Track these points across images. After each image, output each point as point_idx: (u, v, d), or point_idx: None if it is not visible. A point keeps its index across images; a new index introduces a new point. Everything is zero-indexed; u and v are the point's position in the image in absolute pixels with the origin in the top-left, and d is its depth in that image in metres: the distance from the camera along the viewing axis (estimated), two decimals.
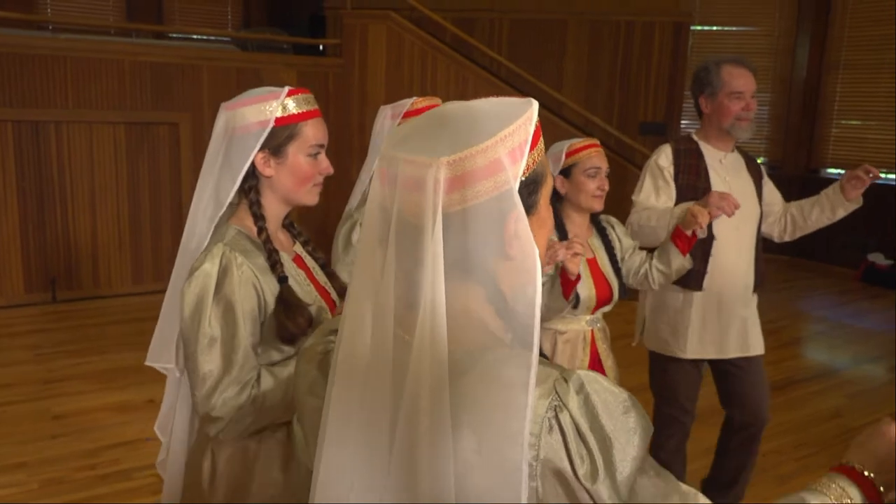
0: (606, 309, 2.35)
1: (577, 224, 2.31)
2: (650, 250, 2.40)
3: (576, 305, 2.19)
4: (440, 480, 0.75)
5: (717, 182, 2.52)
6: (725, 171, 2.57)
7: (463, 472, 0.76)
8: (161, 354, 1.68)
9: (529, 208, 0.80)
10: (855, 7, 7.63)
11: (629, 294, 2.37)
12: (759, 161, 2.76)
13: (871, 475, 0.90)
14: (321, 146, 1.54)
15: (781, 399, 4.22)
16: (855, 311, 6.18)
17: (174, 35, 8.17)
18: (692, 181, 2.51)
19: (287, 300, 1.46)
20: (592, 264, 2.29)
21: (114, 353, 4.66)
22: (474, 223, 0.76)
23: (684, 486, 0.83)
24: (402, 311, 0.77)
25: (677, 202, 2.50)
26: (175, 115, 5.88)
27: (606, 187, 2.26)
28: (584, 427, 0.77)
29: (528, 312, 0.76)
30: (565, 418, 0.76)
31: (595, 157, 2.25)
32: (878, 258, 7.07)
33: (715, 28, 8.21)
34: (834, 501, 0.87)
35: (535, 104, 0.82)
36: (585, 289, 2.23)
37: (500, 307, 0.79)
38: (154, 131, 5.86)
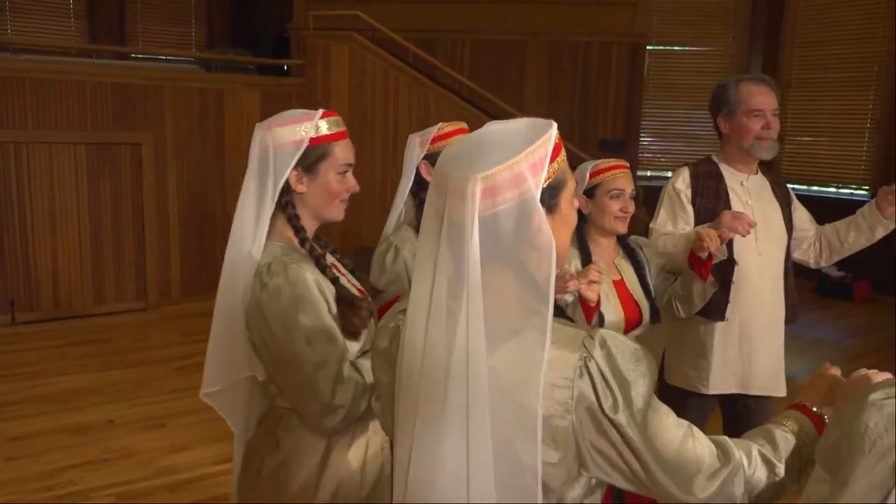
0: (638, 331, 2.22)
1: (603, 246, 2.24)
2: (677, 276, 2.32)
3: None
4: (481, 447, 0.96)
5: (738, 206, 2.39)
6: (748, 194, 2.43)
7: (505, 424, 0.98)
8: (217, 377, 1.70)
9: (552, 209, 1.03)
10: (804, 28, 7.89)
11: (661, 318, 2.27)
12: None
13: (817, 409, 1.20)
14: (349, 165, 1.65)
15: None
16: (808, 322, 6.34)
17: (137, 56, 8.16)
18: (711, 205, 2.38)
19: (346, 297, 1.58)
20: (620, 286, 2.21)
21: (73, 374, 4.61)
22: (504, 223, 0.97)
23: (676, 419, 1.09)
24: (453, 291, 0.98)
25: (695, 226, 2.37)
26: (137, 135, 5.87)
27: (631, 209, 2.19)
28: (608, 373, 0.99)
29: (545, 284, 0.97)
30: (592, 366, 0.99)
31: (620, 179, 2.18)
32: (831, 270, 7.27)
33: (670, 48, 8.43)
34: (790, 429, 1.16)
35: (555, 125, 1.03)
36: (613, 312, 2.15)
37: (529, 287, 0.99)
38: (116, 152, 5.83)
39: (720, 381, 2.43)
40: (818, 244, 2.54)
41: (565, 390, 1.00)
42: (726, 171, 2.45)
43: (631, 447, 1.00)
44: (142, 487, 3.28)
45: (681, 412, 2.55)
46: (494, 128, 1.05)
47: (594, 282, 1.92)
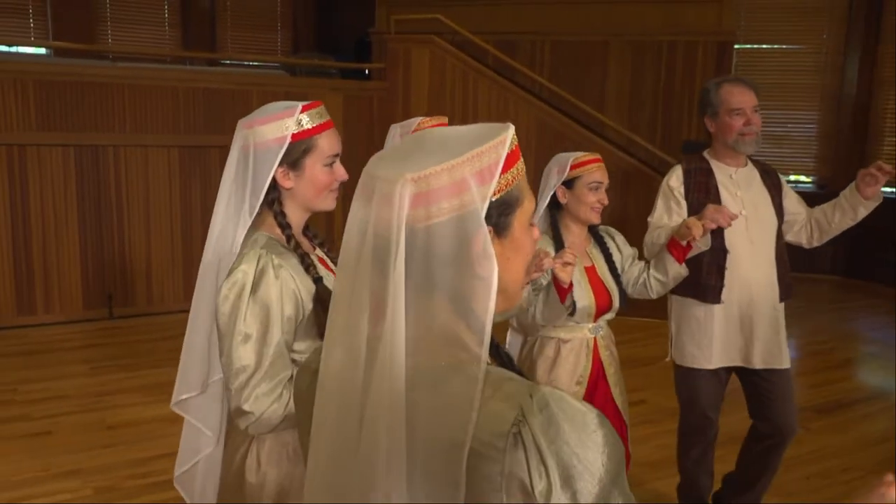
0: (608, 317, 2.44)
1: (575, 234, 2.42)
2: (650, 261, 2.52)
3: (572, 313, 2.28)
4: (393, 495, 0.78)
5: (728, 197, 2.59)
6: (736, 185, 2.63)
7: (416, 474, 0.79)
8: (190, 384, 1.72)
9: (502, 230, 0.84)
10: None
11: (629, 303, 2.47)
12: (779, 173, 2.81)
13: None
14: (336, 156, 1.62)
15: (830, 422, 4.13)
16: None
17: (226, 62, 8.47)
18: (702, 198, 2.58)
19: (324, 299, 1.53)
20: (591, 273, 2.39)
21: (165, 367, 4.82)
22: (439, 239, 0.78)
23: None
24: (373, 320, 0.80)
25: None
26: (226, 138, 5.95)
27: (606, 202, 2.37)
28: (544, 445, 0.76)
29: (480, 327, 0.79)
30: (527, 435, 0.76)
31: (597, 172, 2.36)
32: None
33: (760, 46, 8.14)
34: None
35: (512, 128, 0.85)
36: (584, 297, 2.32)
37: (466, 319, 0.81)
38: (206, 154, 6.07)
39: (721, 355, 2.65)
40: (809, 226, 2.72)
41: (494, 464, 0.77)
42: (716, 167, 2.65)
43: None
44: None
45: (686, 386, 2.74)
46: (441, 129, 0.88)
47: (568, 263, 2.06)
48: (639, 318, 4.72)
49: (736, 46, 7.47)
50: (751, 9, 7.93)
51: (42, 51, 7.91)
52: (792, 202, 2.74)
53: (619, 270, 2.45)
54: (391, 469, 0.77)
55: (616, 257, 2.47)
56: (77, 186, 5.67)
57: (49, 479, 3.36)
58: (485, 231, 0.79)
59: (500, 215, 0.83)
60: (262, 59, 8.90)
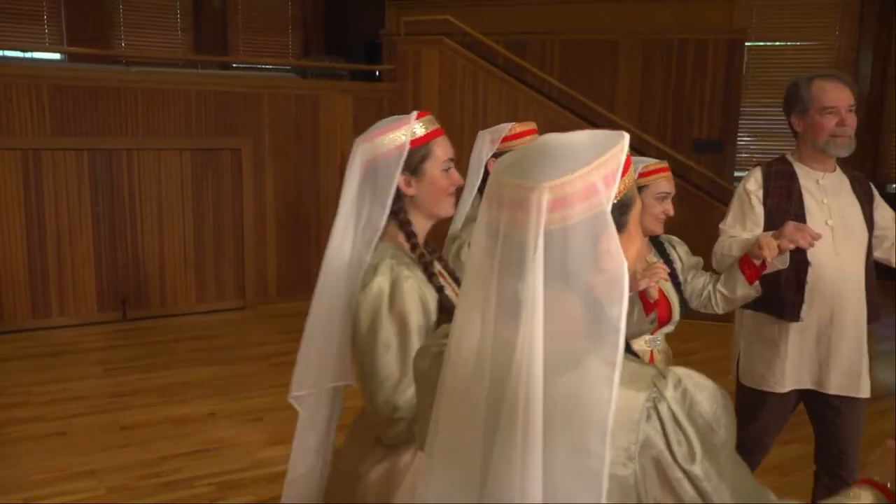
0: (668, 329, 2.32)
1: None
2: (716, 272, 2.36)
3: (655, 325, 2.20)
4: (530, 482, 0.86)
5: (812, 205, 2.38)
6: (823, 192, 2.41)
7: (555, 465, 0.87)
8: (307, 381, 1.74)
9: (620, 227, 0.92)
10: None
11: (689, 312, 2.34)
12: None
13: (889, 484, 1.07)
14: (451, 160, 1.68)
15: None
16: None
17: (238, 65, 8.52)
18: (782, 204, 2.38)
19: (447, 307, 1.58)
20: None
21: (178, 368, 4.86)
22: (572, 239, 0.87)
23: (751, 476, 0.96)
24: (506, 315, 0.89)
25: (766, 227, 2.39)
26: (238, 140, 6.13)
27: (671, 212, 2.26)
28: (682, 416, 0.88)
29: (616, 316, 0.87)
30: (663, 408, 0.88)
31: (665, 183, 2.26)
32: None
33: (771, 44, 8.08)
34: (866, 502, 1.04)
35: (627, 136, 0.95)
36: None
37: (596, 313, 0.89)
38: (218, 156, 6.11)
39: (794, 376, 2.43)
40: None
41: (628, 434, 0.88)
42: (800, 170, 2.44)
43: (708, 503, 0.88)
44: (240, 478, 3.43)
45: (750, 408, 2.51)
46: (557, 137, 0.97)
47: (661, 279, 2.01)
48: (702, 320, 4.46)
49: (747, 44, 7.43)
50: (762, 6, 7.89)
51: (56, 56, 7.99)
52: (884, 215, 2.50)
53: (681, 281, 2.33)
54: (530, 455, 0.85)
55: (678, 267, 2.35)
56: (91, 190, 5.72)
57: (63, 479, 3.40)
58: (612, 229, 0.88)
59: (620, 215, 0.93)
60: (274, 61, 8.94)
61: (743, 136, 7.86)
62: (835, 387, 2.41)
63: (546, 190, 0.86)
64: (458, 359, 0.94)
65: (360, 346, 1.58)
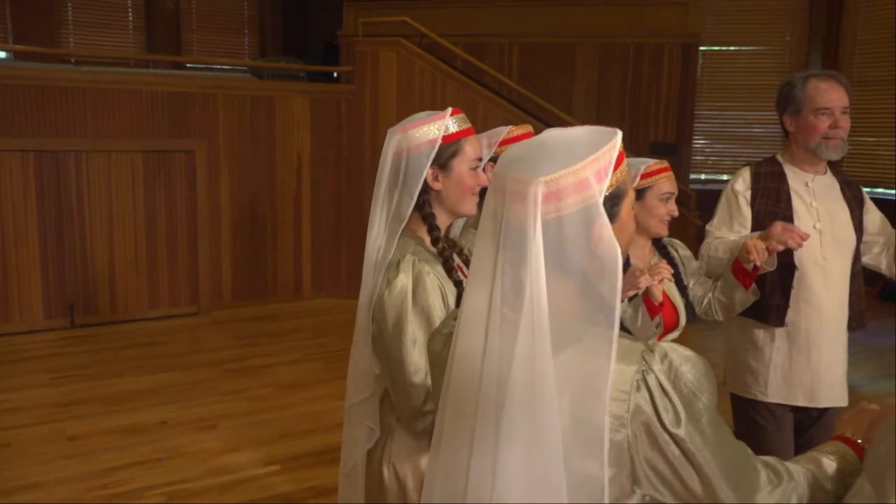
0: (674, 335, 2.24)
1: (640, 247, 2.25)
2: (718, 279, 2.32)
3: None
4: (537, 455, 0.95)
5: (801, 208, 2.34)
6: (812, 195, 2.36)
7: (561, 438, 0.96)
8: (359, 387, 1.75)
9: (612, 217, 1.01)
10: (865, 24, 7.63)
11: (696, 318, 2.30)
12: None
13: (860, 440, 1.20)
14: (479, 160, 1.72)
15: None
16: (870, 329, 6.09)
17: (192, 65, 8.37)
18: (771, 206, 2.33)
19: None
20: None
21: (129, 376, 4.74)
22: (566, 228, 0.96)
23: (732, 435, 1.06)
24: (510, 297, 0.97)
25: (754, 229, 2.34)
26: (191, 142, 6.01)
27: (676, 213, 2.21)
28: (668, 386, 0.98)
29: (611, 297, 0.96)
30: (651, 379, 0.98)
31: (668, 183, 2.20)
32: None
33: (725, 48, 8.25)
34: (836, 457, 1.16)
35: (620, 133, 1.03)
36: None
37: (591, 294, 0.99)
38: (171, 159, 5.99)
39: (782, 390, 2.37)
40: (892, 249, 2.43)
41: (621, 403, 0.98)
42: (790, 172, 2.40)
43: (692, 462, 0.98)
44: (193, 487, 3.34)
45: (742, 423, 2.41)
46: (556, 133, 1.06)
47: (664, 278, 1.95)
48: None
49: (701, 48, 7.56)
50: (715, 11, 8.05)
51: (2, 54, 7.74)
52: (874, 220, 2.45)
53: (686, 285, 2.28)
54: (540, 423, 0.95)
55: (682, 270, 2.30)
56: (37, 193, 5.54)
57: (7, 493, 3.27)
58: (603, 218, 0.97)
59: (612, 206, 1.02)
60: (229, 62, 8.81)
61: (698, 139, 8.01)
62: (825, 398, 2.35)
63: (542, 184, 0.95)
64: (466, 339, 1.02)
65: (385, 342, 1.61)
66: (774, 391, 2.37)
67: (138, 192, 5.89)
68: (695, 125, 7.48)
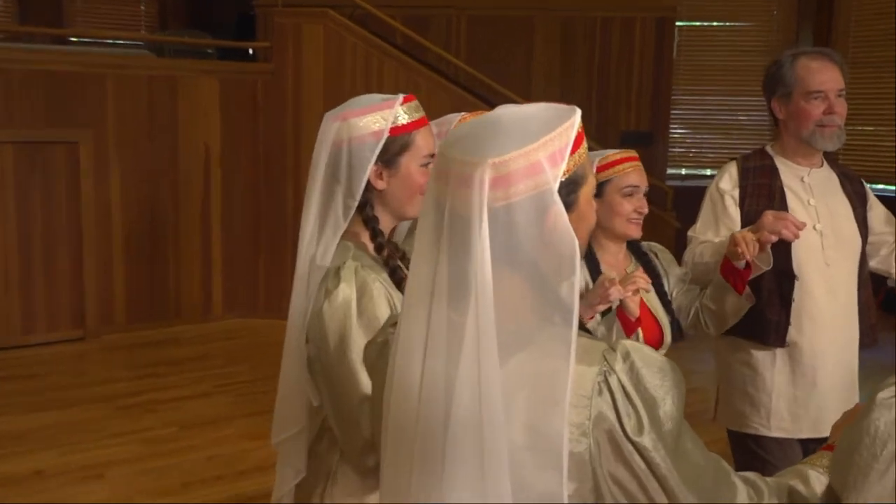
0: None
1: (611, 253, 2.26)
2: (705, 287, 2.31)
3: None
4: (496, 459, 0.98)
5: (797, 207, 2.35)
6: (809, 192, 2.39)
7: (514, 447, 1.00)
8: (289, 420, 1.74)
9: (569, 206, 1.04)
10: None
11: (684, 336, 2.30)
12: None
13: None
14: (432, 156, 1.70)
15: None
16: (879, 345, 6.27)
17: (76, 39, 8.22)
18: (763, 207, 2.30)
19: None
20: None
21: None
22: (516, 217, 0.99)
23: (723, 463, 1.10)
24: (455, 297, 1.00)
25: None
26: (75, 132, 5.91)
27: (645, 209, 2.21)
28: (630, 388, 1.01)
29: (568, 294, 1.00)
30: (613, 381, 1.01)
31: (632, 174, 2.19)
32: None
33: (704, 24, 8.46)
34: (824, 469, 1.19)
35: (578, 112, 1.06)
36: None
37: (545, 291, 1.02)
38: (49, 152, 5.88)
39: (787, 421, 2.37)
40: None
41: (581, 410, 1.01)
42: (782, 165, 2.43)
43: (657, 475, 1.01)
44: None
45: (742, 464, 2.37)
46: (510, 110, 1.09)
47: (641, 289, 1.96)
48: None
49: (678, 23, 7.75)
50: None
51: None
52: (878, 217, 2.48)
53: (669, 296, 2.29)
54: (489, 436, 0.97)
55: (664, 280, 2.31)
56: None
57: None
58: (558, 206, 0.99)
59: (568, 193, 1.04)
60: (121, 35, 8.68)
61: (676, 128, 8.20)
62: (831, 426, 2.39)
63: (489, 167, 0.98)
64: (405, 350, 1.05)
65: (326, 364, 1.60)
66: (777, 424, 2.38)
67: (7, 192, 5.76)
68: (671, 112, 7.66)
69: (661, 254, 2.38)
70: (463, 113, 2.41)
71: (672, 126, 7.84)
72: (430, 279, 1.02)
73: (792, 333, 2.33)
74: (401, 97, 1.69)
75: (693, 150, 8.56)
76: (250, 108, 6.46)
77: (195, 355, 5.84)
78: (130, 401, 4.87)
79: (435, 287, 1.01)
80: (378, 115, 1.64)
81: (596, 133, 7.12)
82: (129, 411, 4.73)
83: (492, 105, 6.61)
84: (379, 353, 1.20)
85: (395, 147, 1.66)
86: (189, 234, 6.44)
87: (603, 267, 2.20)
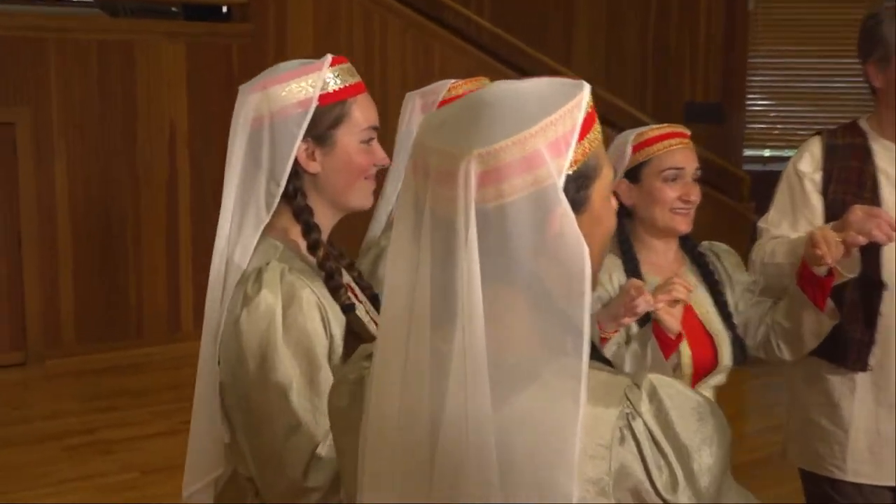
0: (715, 380, 2.24)
1: (658, 252, 2.26)
2: (779, 297, 2.31)
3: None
4: None
5: (893, 199, 2.34)
6: None
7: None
8: (204, 466, 1.75)
9: (580, 205, 1.01)
10: None
11: (747, 359, 2.28)
12: None
13: None
14: (374, 129, 1.73)
15: None
16: None
17: None
18: (850, 195, 2.32)
19: (360, 334, 1.62)
20: (687, 313, 2.15)
21: None
22: (512, 220, 0.96)
23: None
24: (438, 318, 0.98)
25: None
26: (9, 111, 5.97)
27: (695, 197, 2.20)
28: (659, 434, 0.98)
29: (577, 315, 0.97)
30: (638, 426, 0.98)
31: (678, 153, 2.19)
32: None
33: None
34: None
35: (587, 87, 1.02)
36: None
37: (550, 314, 1.00)
38: None
39: (867, 464, 2.37)
40: None
41: (599, 462, 0.97)
42: (877, 145, 2.41)
43: None
44: None
45: None
46: (499, 88, 1.06)
47: (678, 300, 1.95)
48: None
49: None
50: None
51: None
52: None
53: (732, 309, 2.27)
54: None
55: (725, 288, 2.29)
56: None
57: None
58: (564, 208, 0.96)
59: (577, 190, 1.01)
60: None
61: (754, 98, 8.08)
62: None
63: (474, 159, 0.95)
64: (384, 385, 1.03)
65: (242, 388, 1.60)
66: (856, 467, 2.38)
67: None
68: (748, 79, 7.60)
69: (724, 256, 2.37)
70: (452, 81, 2.43)
71: (750, 96, 7.77)
72: (410, 296, 1.00)
73: (877, 355, 2.33)
74: (329, 58, 1.69)
75: (778, 127, 8.41)
76: (224, 76, 6.46)
77: (160, 384, 5.85)
78: (81, 439, 4.90)
79: (415, 306, 0.99)
80: (303, 82, 1.65)
81: (653, 108, 7.11)
82: (81, 452, 4.76)
83: (523, 71, 6.62)
84: (352, 397, 1.16)
85: (326, 119, 1.67)
86: (152, 235, 6.46)
87: (644, 269, 2.19)
